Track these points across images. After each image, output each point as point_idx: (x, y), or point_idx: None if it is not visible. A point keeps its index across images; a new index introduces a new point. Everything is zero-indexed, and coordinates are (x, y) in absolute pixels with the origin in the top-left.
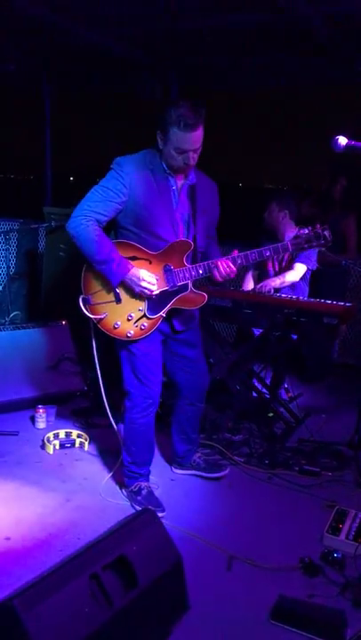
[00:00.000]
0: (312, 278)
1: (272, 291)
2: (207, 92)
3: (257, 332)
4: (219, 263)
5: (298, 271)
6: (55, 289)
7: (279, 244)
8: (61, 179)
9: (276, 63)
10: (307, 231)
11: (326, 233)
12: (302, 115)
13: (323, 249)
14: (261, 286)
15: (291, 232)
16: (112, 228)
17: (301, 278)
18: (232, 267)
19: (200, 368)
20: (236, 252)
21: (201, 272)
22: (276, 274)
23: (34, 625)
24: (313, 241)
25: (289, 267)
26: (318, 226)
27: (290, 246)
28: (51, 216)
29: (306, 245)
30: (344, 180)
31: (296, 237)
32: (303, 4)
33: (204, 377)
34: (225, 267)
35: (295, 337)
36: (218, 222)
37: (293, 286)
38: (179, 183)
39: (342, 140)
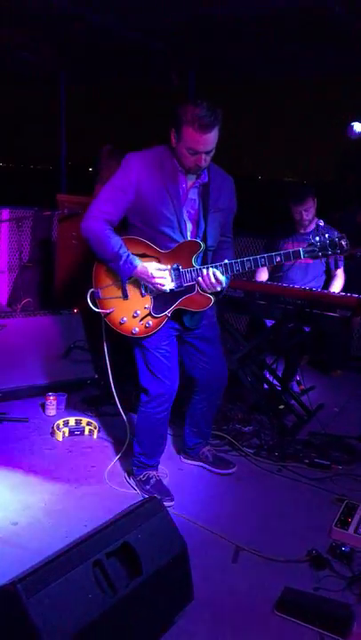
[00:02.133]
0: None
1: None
2: (224, 80)
3: (269, 323)
4: (205, 271)
5: (341, 277)
6: (68, 277)
7: (291, 251)
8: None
9: (295, 52)
10: (323, 238)
11: (344, 242)
12: (321, 106)
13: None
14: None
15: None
16: (123, 224)
17: (317, 268)
18: (218, 276)
19: (218, 365)
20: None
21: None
22: (291, 267)
23: (36, 610)
24: (328, 249)
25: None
26: (336, 233)
27: (302, 254)
28: (63, 204)
29: (320, 254)
30: (353, 176)
31: (310, 245)
32: None
33: (222, 374)
34: (211, 276)
35: (308, 329)
36: (235, 216)
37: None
38: (189, 182)
39: (358, 127)
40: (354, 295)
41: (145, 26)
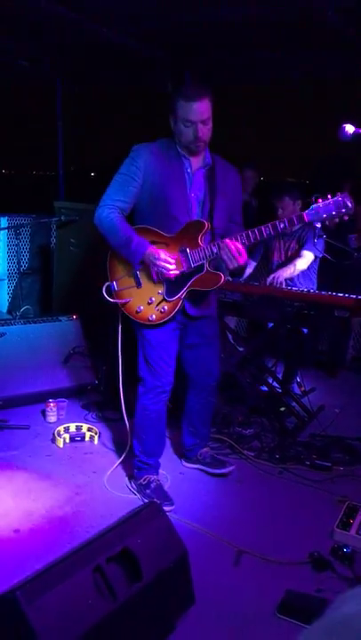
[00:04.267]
0: (335, 272)
1: (284, 283)
2: (220, 85)
3: (271, 325)
4: (227, 242)
5: (306, 258)
6: (67, 284)
7: (294, 216)
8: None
9: (292, 57)
10: (326, 200)
11: (348, 201)
12: (320, 108)
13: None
14: (273, 278)
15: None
16: (134, 212)
17: (308, 268)
18: (238, 245)
19: (211, 361)
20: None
21: (215, 250)
22: (281, 264)
23: (36, 617)
24: (333, 210)
25: (296, 256)
26: (338, 194)
27: (306, 217)
28: (61, 210)
29: (325, 215)
30: (349, 183)
31: (314, 207)
32: None
33: (213, 370)
34: (233, 245)
35: (306, 330)
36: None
37: (300, 276)
38: (194, 165)
39: (350, 129)
40: (352, 296)
41: (140, 32)
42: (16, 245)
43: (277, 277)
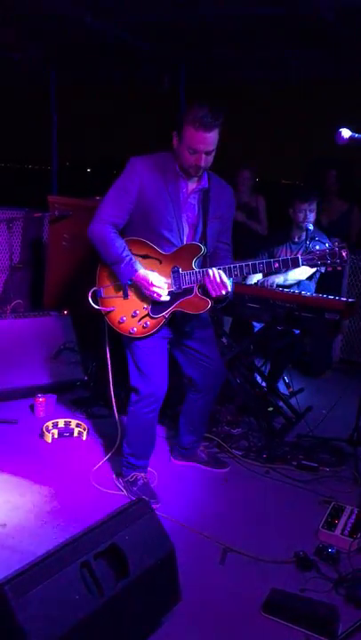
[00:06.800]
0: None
1: (274, 285)
2: (214, 84)
3: (257, 325)
4: (213, 272)
5: (303, 271)
6: (58, 279)
7: (289, 258)
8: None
9: (286, 56)
10: (323, 248)
11: (344, 253)
12: (312, 109)
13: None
14: (264, 281)
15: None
16: (127, 225)
17: (308, 278)
18: (224, 278)
19: (215, 362)
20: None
21: (199, 277)
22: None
23: (24, 611)
24: (327, 259)
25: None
26: (337, 243)
27: (301, 262)
28: (54, 205)
29: (319, 262)
30: (334, 172)
31: (309, 252)
32: None
33: (219, 371)
34: (218, 276)
35: (297, 332)
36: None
37: (299, 283)
38: (190, 187)
39: (345, 133)
40: (342, 299)
41: (136, 27)
42: (8, 239)
43: (268, 280)
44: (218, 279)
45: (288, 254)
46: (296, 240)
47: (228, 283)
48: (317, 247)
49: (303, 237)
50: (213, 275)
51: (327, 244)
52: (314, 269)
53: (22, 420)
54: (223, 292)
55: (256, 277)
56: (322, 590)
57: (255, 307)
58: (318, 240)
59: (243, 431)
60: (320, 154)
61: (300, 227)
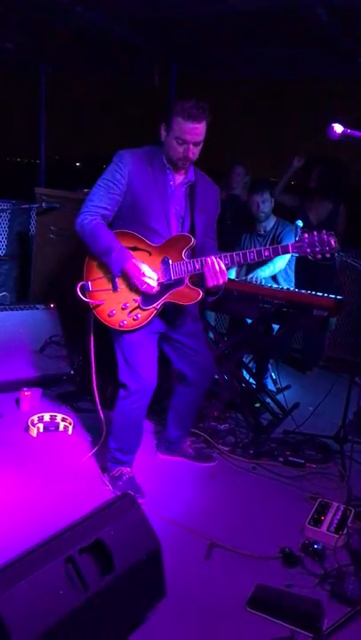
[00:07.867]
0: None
1: (263, 281)
2: (205, 79)
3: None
4: (211, 260)
5: (285, 257)
6: (45, 271)
7: (279, 246)
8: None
9: (277, 53)
10: (312, 236)
11: (332, 240)
12: (302, 106)
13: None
14: (252, 278)
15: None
16: (114, 218)
17: (287, 265)
18: (221, 265)
19: (205, 357)
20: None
21: (197, 267)
22: (259, 263)
23: (7, 606)
24: (317, 246)
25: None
26: (324, 231)
27: (291, 249)
28: (42, 197)
29: (309, 250)
30: (318, 170)
31: (299, 241)
32: None
33: (209, 366)
34: (217, 263)
35: (285, 328)
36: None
37: (279, 275)
38: (177, 180)
39: (338, 128)
40: (331, 296)
41: (128, 20)
42: None
43: (256, 277)
44: (217, 267)
45: (254, 247)
46: (262, 232)
47: (226, 271)
48: (306, 235)
49: (268, 229)
50: (212, 262)
51: (315, 232)
52: (289, 255)
53: (7, 413)
54: (221, 282)
55: (232, 273)
56: (307, 586)
57: (243, 303)
58: (282, 231)
59: (230, 427)
60: (308, 152)
61: (258, 218)
